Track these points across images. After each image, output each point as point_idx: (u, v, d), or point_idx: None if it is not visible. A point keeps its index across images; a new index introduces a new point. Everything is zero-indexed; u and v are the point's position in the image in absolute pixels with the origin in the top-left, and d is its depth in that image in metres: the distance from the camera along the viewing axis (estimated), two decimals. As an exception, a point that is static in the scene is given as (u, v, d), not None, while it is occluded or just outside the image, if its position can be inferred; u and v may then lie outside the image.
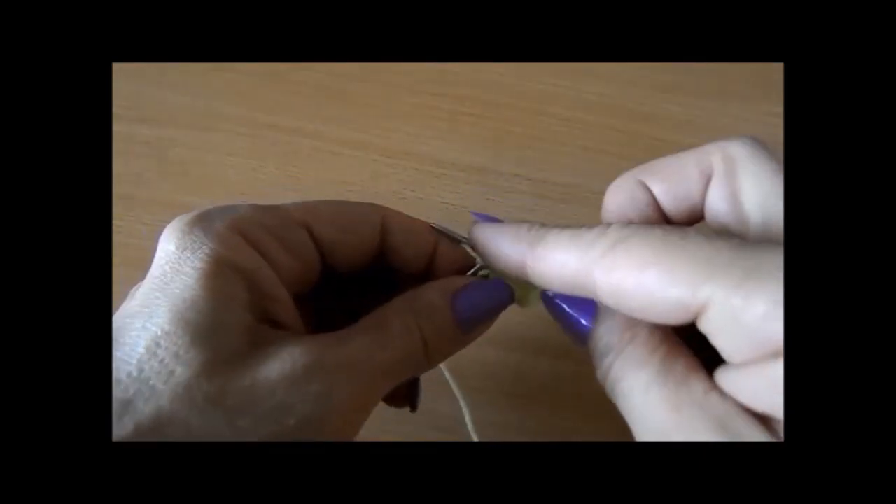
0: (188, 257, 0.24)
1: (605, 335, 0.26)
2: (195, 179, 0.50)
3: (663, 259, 0.22)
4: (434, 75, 0.54)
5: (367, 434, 0.42)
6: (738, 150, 0.27)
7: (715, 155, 0.27)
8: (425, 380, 0.36)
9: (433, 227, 0.32)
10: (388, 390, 0.28)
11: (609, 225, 0.25)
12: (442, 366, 0.36)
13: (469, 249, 0.32)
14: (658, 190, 0.29)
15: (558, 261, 0.25)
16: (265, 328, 0.24)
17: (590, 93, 0.54)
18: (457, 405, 0.37)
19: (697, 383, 0.23)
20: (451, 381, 0.36)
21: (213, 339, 0.22)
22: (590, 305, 0.27)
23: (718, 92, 0.55)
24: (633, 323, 0.25)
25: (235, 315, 0.23)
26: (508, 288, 0.31)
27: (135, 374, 0.21)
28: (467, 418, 0.37)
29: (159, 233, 0.28)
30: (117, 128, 0.51)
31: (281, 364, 0.23)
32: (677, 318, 0.23)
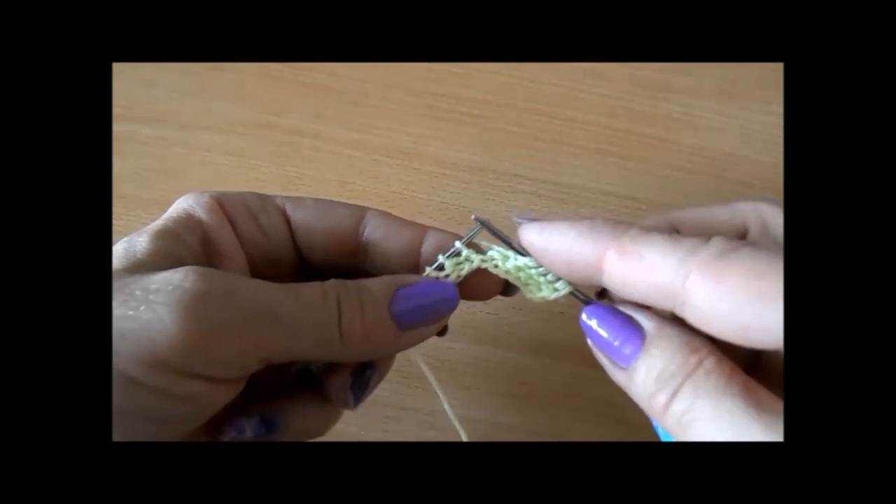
0: (171, 210, 0.31)
1: (661, 361, 0.24)
2: (195, 179, 0.50)
3: (778, 275, 0.21)
4: (434, 75, 0.54)
5: (367, 434, 0.42)
6: (768, 210, 0.27)
7: (748, 214, 0.28)
8: (425, 379, 0.36)
9: (475, 219, 0.31)
10: (280, 348, 0.27)
11: (709, 237, 0.24)
12: (422, 363, 0.35)
13: (501, 251, 0.30)
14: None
15: (649, 260, 0.24)
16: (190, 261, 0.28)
17: (590, 93, 0.54)
18: (456, 406, 0.37)
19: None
20: (430, 377, 0.36)
21: (136, 257, 0.27)
22: (635, 331, 0.26)
23: (718, 92, 0.55)
24: (693, 348, 0.24)
25: (170, 248, 0.28)
26: (455, 291, 0.30)
27: None
28: (450, 413, 0.36)
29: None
30: (117, 128, 0.51)
31: (167, 274, 0.25)
32: (777, 338, 0.22)
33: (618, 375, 0.26)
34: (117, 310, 0.24)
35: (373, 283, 0.29)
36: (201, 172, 0.50)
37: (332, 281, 0.28)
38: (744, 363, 0.25)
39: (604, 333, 0.26)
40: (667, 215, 0.29)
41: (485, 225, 0.31)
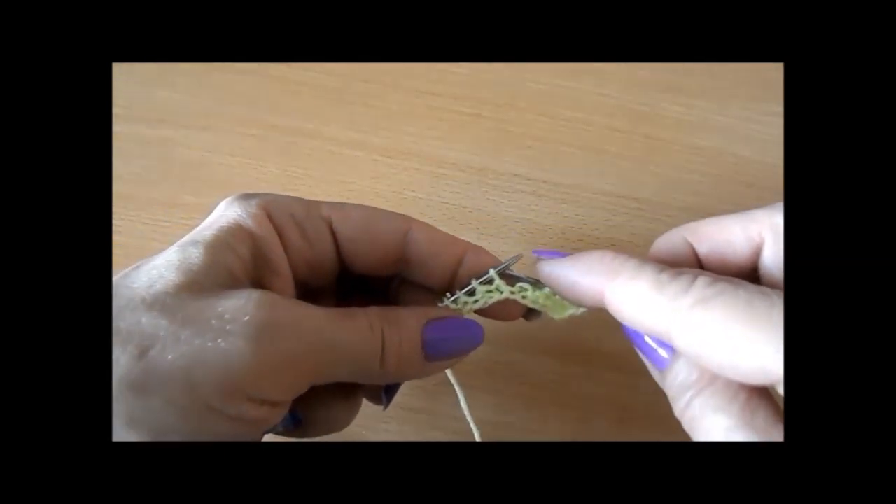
0: (220, 217, 0.30)
1: (684, 371, 0.26)
2: (195, 179, 0.50)
3: (748, 325, 0.23)
4: (434, 75, 0.54)
5: (367, 434, 0.42)
6: (783, 219, 0.28)
7: (762, 224, 0.28)
8: (426, 379, 0.36)
9: (507, 274, 0.32)
10: (329, 373, 0.29)
11: (695, 277, 0.25)
12: (452, 378, 0.36)
13: (525, 291, 0.32)
14: (704, 251, 0.30)
15: (637, 301, 0.26)
16: (247, 282, 0.28)
17: (590, 93, 0.54)
18: (458, 406, 0.37)
19: (779, 437, 0.23)
20: (452, 380, 0.36)
21: (193, 272, 0.27)
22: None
23: (718, 92, 0.55)
24: None
25: (224, 262, 0.28)
26: (481, 331, 0.32)
27: (134, 281, 0.27)
28: (467, 415, 0.37)
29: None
30: (117, 128, 0.51)
31: (236, 301, 0.26)
32: (757, 381, 0.23)
33: (654, 374, 0.28)
34: (196, 339, 0.25)
35: (408, 316, 0.30)
36: (201, 172, 0.50)
37: (375, 311, 0.30)
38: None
39: (643, 338, 0.28)
40: (682, 230, 0.30)
41: (505, 273, 0.33)
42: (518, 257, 0.33)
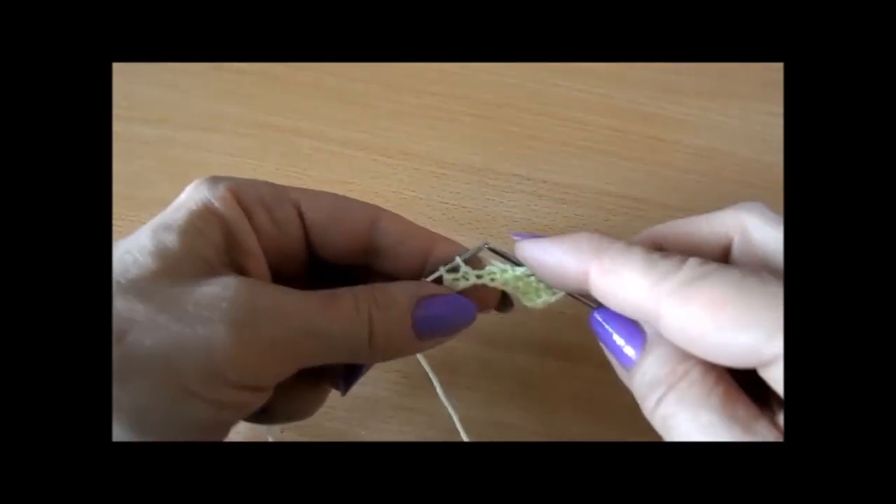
0: (188, 200, 0.30)
1: (654, 367, 0.25)
2: (195, 180, 0.50)
3: (740, 302, 0.22)
4: (434, 75, 0.54)
5: (366, 434, 0.42)
6: (749, 218, 0.28)
7: (730, 224, 0.28)
8: (426, 379, 0.36)
9: (489, 248, 0.32)
10: (316, 357, 0.28)
11: (685, 258, 0.25)
12: (427, 366, 0.36)
13: (494, 275, 0.32)
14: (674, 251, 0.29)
15: (627, 280, 0.25)
16: (223, 267, 0.28)
17: (590, 93, 0.54)
18: (456, 406, 0.37)
19: (765, 430, 0.23)
20: (434, 381, 0.36)
21: (169, 259, 0.27)
22: (638, 335, 0.27)
23: (718, 92, 0.55)
24: (683, 357, 0.25)
25: (198, 247, 0.28)
26: (474, 308, 0.31)
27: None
28: (454, 417, 0.37)
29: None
30: (117, 128, 0.51)
31: (214, 288, 0.26)
32: (745, 362, 0.23)
33: (621, 373, 0.28)
34: (174, 325, 0.25)
35: (398, 293, 0.30)
36: (201, 172, 0.50)
37: (362, 291, 0.29)
38: None
39: (611, 334, 0.28)
40: (651, 233, 0.30)
41: (490, 248, 0.32)
42: (484, 245, 0.33)
